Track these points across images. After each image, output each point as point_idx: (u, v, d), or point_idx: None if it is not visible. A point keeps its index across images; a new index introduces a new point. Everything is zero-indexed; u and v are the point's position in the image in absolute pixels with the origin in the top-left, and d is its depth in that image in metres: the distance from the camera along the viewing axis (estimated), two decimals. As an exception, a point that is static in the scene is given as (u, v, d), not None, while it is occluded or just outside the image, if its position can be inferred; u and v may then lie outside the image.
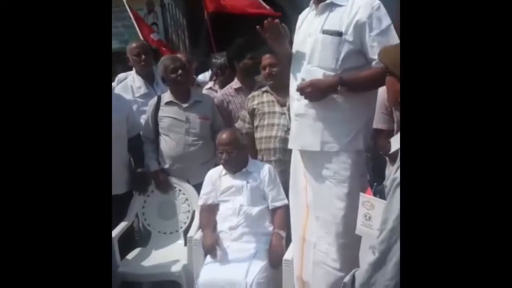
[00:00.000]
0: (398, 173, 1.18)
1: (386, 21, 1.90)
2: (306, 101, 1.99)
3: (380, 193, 1.39)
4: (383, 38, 1.87)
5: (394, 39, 1.86)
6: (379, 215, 1.27)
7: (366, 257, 1.27)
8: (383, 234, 1.20)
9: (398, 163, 1.28)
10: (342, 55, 1.91)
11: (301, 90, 1.92)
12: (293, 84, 2.09)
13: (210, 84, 3.63)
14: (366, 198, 1.43)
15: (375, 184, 1.48)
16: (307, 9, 2.13)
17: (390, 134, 2.22)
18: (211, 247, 2.38)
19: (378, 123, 2.21)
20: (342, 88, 1.88)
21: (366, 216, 1.42)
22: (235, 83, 3.07)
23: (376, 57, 1.84)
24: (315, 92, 1.90)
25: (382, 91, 2.12)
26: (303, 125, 2.03)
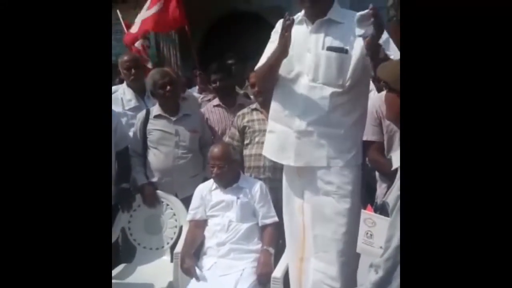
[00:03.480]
0: None
1: (385, 34, 1.90)
2: (310, 119, 1.96)
3: (380, 210, 1.37)
4: (388, 44, 1.88)
5: (394, 51, 1.87)
6: (381, 232, 1.25)
7: (368, 276, 1.23)
8: (388, 252, 1.18)
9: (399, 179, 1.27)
10: (350, 71, 1.91)
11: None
12: (286, 103, 2.05)
13: (211, 96, 3.62)
14: (367, 215, 1.41)
15: (375, 201, 1.46)
16: (281, 21, 2.04)
17: (381, 146, 2.22)
18: (188, 271, 2.33)
19: (368, 135, 2.21)
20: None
21: (367, 233, 1.39)
22: (215, 100, 3.14)
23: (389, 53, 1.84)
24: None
25: (370, 103, 2.13)
26: (307, 143, 2.01)
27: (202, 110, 3.16)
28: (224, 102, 3.07)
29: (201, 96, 3.77)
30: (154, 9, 4.32)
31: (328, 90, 1.94)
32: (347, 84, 1.92)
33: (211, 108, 3.11)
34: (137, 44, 4.70)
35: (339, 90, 1.93)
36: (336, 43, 1.92)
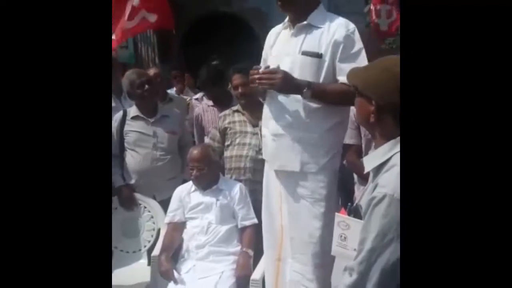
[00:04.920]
0: (375, 192, 1.18)
1: (358, 45, 1.93)
2: (284, 122, 1.98)
3: (354, 213, 1.37)
4: (352, 61, 1.89)
5: (363, 63, 1.90)
6: (355, 235, 1.25)
7: (343, 279, 1.24)
8: (362, 254, 1.18)
9: (372, 182, 1.27)
10: (322, 76, 1.93)
11: (270, 73, 1.87)
12: (266, 105, 2.07)
13: (199, 95, 3.61)
14: (341, 218, 1.41)
15: (348, 204, 1.46)
16: (278, 26, 2.13)
17: (359, 149, 2.24)
18: (166, 274, 2.31)
19: (347, 138, 2.23)
20: (307, 92, 1.85)
21: (341, 236, 1.39)
22: (211, 101, 3.14)
23: (341, 78, 1.88)
24: (283, 81, 1.85)
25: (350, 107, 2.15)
26: (281, 145, 2.01)
27: (197, 109, 3.14)
28: (215, 103, 3.07)
29: (188, 98, 3.76)
30: (136, 20, 4.26)
31: None
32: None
33: (206, 107, 3.10)
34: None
35: None
36: (311, 48, 1.93)
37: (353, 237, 1.32)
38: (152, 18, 4.28)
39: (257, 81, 1.89)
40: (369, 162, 1.30)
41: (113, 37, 4.29)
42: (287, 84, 1.87)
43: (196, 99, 3.54)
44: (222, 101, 3.06)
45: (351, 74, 1.39)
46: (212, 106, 3.09)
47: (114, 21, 4.23)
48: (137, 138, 2.78)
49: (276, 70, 1.88)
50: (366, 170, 1.33)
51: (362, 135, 2.24)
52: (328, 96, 1.91)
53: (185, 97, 3.88)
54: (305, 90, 1.85)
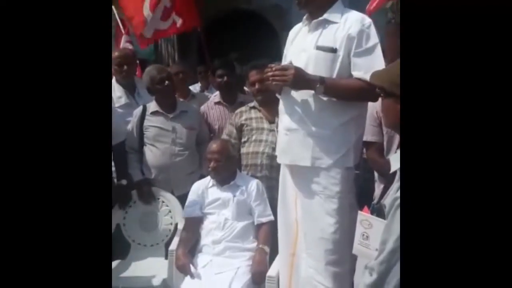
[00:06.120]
0: (399, 193, 1.16)
1: (374, 39, 1.92)
2: (297, 117, 1.98)
3: (377, 212, 1.36)
4: (367, 55, 1.89)
5: (378, 58, 1.90)
6: (377, 235, 1.24)
7: (363, 278, 1.23)
8: (383, 255, 1.17)
9: (398, 182, 1.26)
10: (336, 71, 1.92)
11: (283, 70, 1.89)
12: (282, 99, 2.08)
13: (213, 96, 3.61)
14: (364, 216, 1.39)
15: (372, 202, 1.45)
16: (299, 25, 2.14)
17: (380, 146, 2.21)
18: (182, 268, 2.32)
19: (368, 135, 2.20)
20: (320, 87, 1.87)
21: (363, 235, 1.38)
22: (216, 98, 3.13)
23: (356, 73, 1.89)
24: (295, 77, 1.87)
25: (371, 104, 2.12)
26: (293, 140, 2.01)
27: (202, 107, 3.15)
28: (225, 99, 3.06)
29: (209, 95, 3.72)
30: (168, 22, 4.33)
31: None
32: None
33: (211, 105, 3.10)
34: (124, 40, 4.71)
35: None
36: (327, 42, 1.93)
37: (375, 236, 1.31)
38: (179, 21, 4.34)
39: (270, 78, 1.91)
40: (396, 161, 1.28)
41: (143, 32, 4.36)
42: (299, 80, 1.88)
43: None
44: (229, 97, 3.06)
45: (375, 76, 1.37)
46: (217, 103, 3.08)
47: (138, 17, 4.30)
48: (156, 133, 2.80)
49: (288, 67, 1.89)
50: (392, 170, 1.31)
51: (384, 133, 2.21)
52: (341, 92, 1.91)
53: (207, 94, 3.87)
54: (318, 85, 1.86)
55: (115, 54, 3.24)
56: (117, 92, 3.16)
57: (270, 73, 1.92)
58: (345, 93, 1.91)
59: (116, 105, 3.12)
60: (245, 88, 3.40)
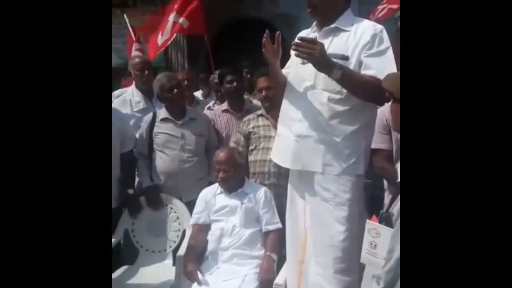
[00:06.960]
0: None
1: (386, 43, 1.92)
2: (308, 123, 1.98)
3: (385, 221, 1.35)
4: (379, 56, 1.89)
5: (390, 61, 1.89)
6: (385, 243, 1.24)
7: (370, 287, 1.23)
8: (390, 263, 1.17)
9: None
10: None
11: (310, 43, 1.83)
12: (291, 107, 2.08)
13: (211, 103, 3.64)
14: (372, 225, 1.39)
15: (381, 211, 1.44)
16: (307, 31, 2.14)
17: (389, 154, 2.20)
18: (190, 275, 2.32)
19: (376, 142, 2.19)
20: (337, 72, 1.83)
21: (371, 244, 1.38)
22: (224, 105, 3.15)
23: (368, 71, 1.88)
24: (321, 54, 1.82)
25: (380, 111, 2.12)
26: (304, 147, 2.01)
27: (210, 114, 3.17)
28: (232, 107, 3.08)
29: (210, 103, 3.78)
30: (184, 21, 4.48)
31: (327, 96, 1.94)
32: (345, 90, 1.92)
33: (219, 113, 3.11)
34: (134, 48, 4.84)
35: (338, 96, 1.93)
36: (338, 50, 1.93)
37: (383, 245, 1.30)
38: (186, 24, 4.44)
39: (297, 48, 1.84)
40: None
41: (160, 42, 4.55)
42: (323, 58, 1.84)
43: (208, 107, 3.54)
44: (236, 104, 3.08)
45: (386, 79, 1.37)
46: (224, 111, 3.10)
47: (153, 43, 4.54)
48: (165, 139, 2.83)
49: (316, 41, 1.85)
50: (399, 178, 1.31)
51: (393, 141, 2.20)
52: (354, 83, 1.88)
53: (208, 101, 3.91)
54: (336, 69, 1.83)
55: (135, 60, 3.34)
56: (136, 97, 3.23)
57: (297, 42, 1.86)
58: (358, 86, 1.89)
59: (135, 109, 3.19)
60: (245, 96, 3.41)
